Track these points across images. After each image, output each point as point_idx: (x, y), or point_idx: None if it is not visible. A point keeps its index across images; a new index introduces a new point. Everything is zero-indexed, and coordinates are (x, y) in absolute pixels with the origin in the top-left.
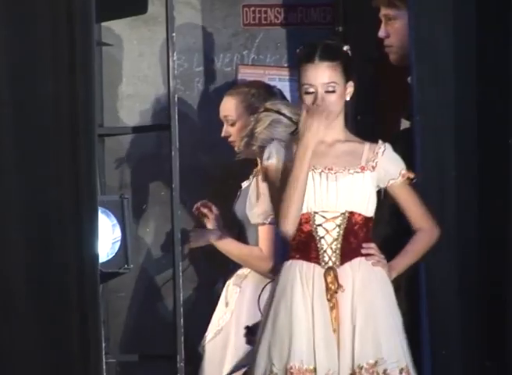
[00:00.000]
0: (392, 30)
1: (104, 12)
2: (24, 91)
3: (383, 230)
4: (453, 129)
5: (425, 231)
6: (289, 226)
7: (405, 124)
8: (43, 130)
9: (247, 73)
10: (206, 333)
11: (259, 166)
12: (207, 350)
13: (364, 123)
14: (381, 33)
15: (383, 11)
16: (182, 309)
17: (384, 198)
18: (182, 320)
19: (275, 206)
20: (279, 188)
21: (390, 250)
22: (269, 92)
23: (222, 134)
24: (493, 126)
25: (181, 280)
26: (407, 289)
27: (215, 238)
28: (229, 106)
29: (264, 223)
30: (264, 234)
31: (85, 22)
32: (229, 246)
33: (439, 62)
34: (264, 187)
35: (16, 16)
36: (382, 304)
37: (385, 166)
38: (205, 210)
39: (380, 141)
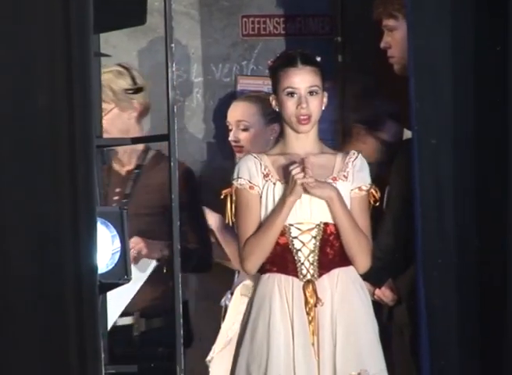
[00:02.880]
0: (394, 40)
1: (103, 23)
2: (21, 102)
3: (384, 239)
4: (451, 139)
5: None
6: (254, 268)
7: (407, 134)
8: (40, 141)
9: (246, 84)
10: (214, 345)
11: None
12: (215, 361)
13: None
14: (382, 45)
15: (384, 22)
16: (181, 321)
17: (386, 207)
18: (182, 331)
19: (241, 236)
20: (245, 219)
21: (391, 260)
22: None
23: (230, 138)
24: (492, 136)
25: (180, 291)
26: (407, 301)
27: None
28: (244, 111)
29: None
30: None
31: (82, 33)
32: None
33: (438, 72)
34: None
35: (12, 27)
36: (362, 314)
37: (354, 175)
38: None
39: (352, 151)
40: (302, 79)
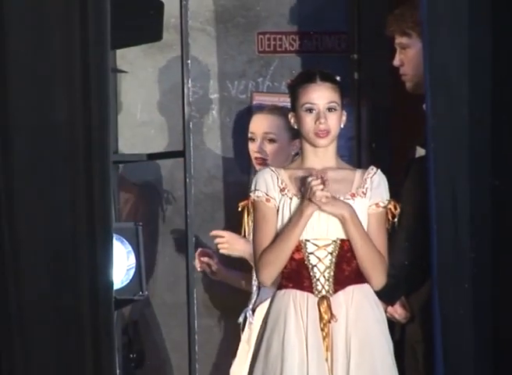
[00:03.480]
0: (406, 58)
1: (119, 38)
2: (39, 117)
3: (397, 256)
4: (467, 156)
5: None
6: (269, 280)
7: (420, 152)
8: (58, 157)
9: (262, 101)
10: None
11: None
12: None
13: (379, 150)
14: (395, 62)
15: (397, 40)
16: (196, 336)
17: (398, 224)
18: (196, 347)
19: (257, 247)
20: (261, 231)
21: (404, 277)
22: None
23: (254, 150)
24: (509, 152)
25: (195, 307)
26: (420, 318)
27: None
28: (272, 123)
29: None
30: None
31: (100, 48)
32: None
33: (454, 89)
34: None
35: (32, 42)
36: (377, 332)
37: (372, 191)
38: (205, 259)
39: (371, 167)
40: (321, 95)
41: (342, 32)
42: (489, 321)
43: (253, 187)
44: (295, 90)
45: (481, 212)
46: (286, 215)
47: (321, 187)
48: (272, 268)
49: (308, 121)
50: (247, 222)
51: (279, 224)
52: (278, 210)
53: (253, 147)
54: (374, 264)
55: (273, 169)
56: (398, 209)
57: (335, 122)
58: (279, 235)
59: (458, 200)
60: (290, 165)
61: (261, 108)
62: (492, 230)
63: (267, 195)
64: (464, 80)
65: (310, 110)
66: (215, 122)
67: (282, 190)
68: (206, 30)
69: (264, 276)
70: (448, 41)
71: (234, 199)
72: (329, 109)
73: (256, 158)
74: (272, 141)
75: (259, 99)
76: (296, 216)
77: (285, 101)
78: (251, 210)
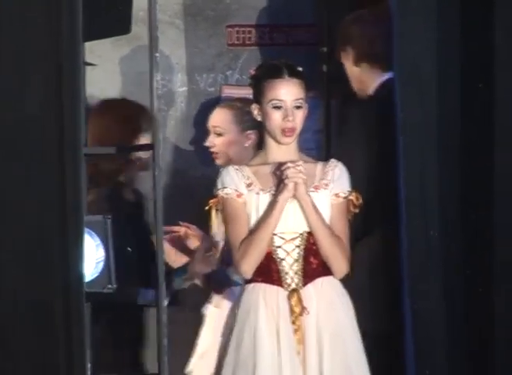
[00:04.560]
0: (348, 73)
1: (88, 32)
2: (11, 111)
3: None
4: (436, 149)
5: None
6: (250, 270)
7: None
8: (30, 151)
9: (231, 94)
10: (191, 358)
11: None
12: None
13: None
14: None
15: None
16: (166, 330)
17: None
18: (166, 340)
19: (234, 242)
20: (236, 225)
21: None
22: None
23: (206, 144)
24: (477, 146)
25: (165, 300)
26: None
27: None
28: (220, 117)
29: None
30: None
31: (73, 41)
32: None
33: (423, 82)
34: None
35: (3, 37)
36: (347, 323)
37: (334, 183)
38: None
39: (332, 159)
40: (289, 91)
41: (311, 25)
42: (460, 312)
43: (220, 185)
44: (260, 82)
45: (450, 204)
46: (253, 209)
47: (297, 171)
48: (253, 259)
49: (276, 118)
50: (215, 219)
51: (248, 219)
52: (245, 205)
53: (206, 141)
54: (335, 253)
55: (236, 167)
56: (360, 201)
57: (300, 119)
58: (256, 226)
59: (428, 193)
60: (253, 160)
61: (221, 101)
62: (461, 221)
63: (237, 191)
64: (432, 72)
65: (277, 107)
66: (183, 115)
67: (248, 185)
68: (175, 23)
69: (245, 267)
70: (417, 35)
71: (203, 192)
72: (296, 107)
73: (210, 152)
74: (219, 134)
75: (228, 92)
76: (273, 202)
77: None
78: (220, 208)
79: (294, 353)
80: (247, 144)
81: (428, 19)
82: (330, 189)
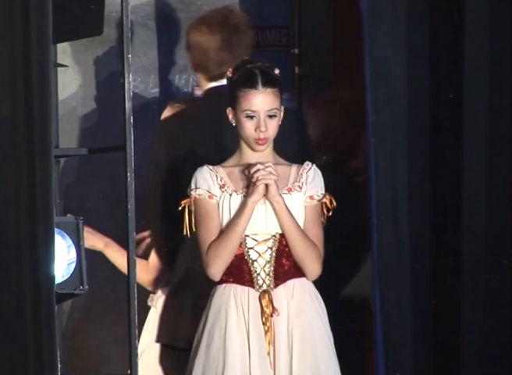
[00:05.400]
0: None
1: (60, 33)
2: None
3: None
4: (406, 151)
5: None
6: (218, 273)
7: None
8: (0, 152)
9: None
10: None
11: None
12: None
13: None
14: None
15: None
16: (137, 330)
17: None
18: (137, 341)
19: (203, 243)
20: (205, 226)
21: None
22: None
23: None
24: (447, 148)
25: (136, 301)
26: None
27: (101, 244)
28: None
29: None
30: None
31: (42, 43)
32: (115, 254)
33: (393, 83)
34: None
35: None
36: (318, 325)
37: (307, 185)
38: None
39: (306, 162)
40: (262, 102)
41: (283, 26)
42: (428, 316)
43: (193, 186)
44: (234, 89)
45: (421, 205)
46: (226, 211)
47: (266, 172)
48: (221, 261)
49: (249, 127)
50: (188, 220)
51: (220, 220)
52: (218, 206)
53: None
54: (307, 255)
55: (211, 167)
56: (334, 204)
57: (274, 127)
58: (225, 229)
59: (398, 194)
60: (227, 161)
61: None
62: (431, 222)
63: (209, 192)
64: (402, 74)
65: (250, 116)
66: (155, 116)
67: (221, 186)
68: (147, 25)
69: (214, 269)
70: (387, 35)
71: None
72: (270, 116)
73: None
74: None
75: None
76: (243, 205)
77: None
78: (192, 208)
79: (264, 354)
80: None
81: (397, 19)
82: (304, 191)
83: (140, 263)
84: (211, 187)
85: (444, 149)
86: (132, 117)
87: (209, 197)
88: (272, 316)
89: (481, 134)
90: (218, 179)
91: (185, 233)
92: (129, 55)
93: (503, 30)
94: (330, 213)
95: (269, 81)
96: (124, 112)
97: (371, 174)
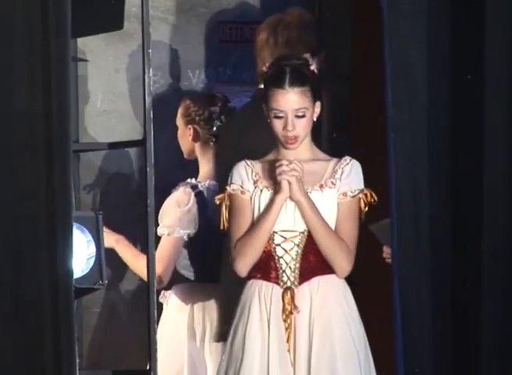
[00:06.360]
0: None
1: (80, 27)
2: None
3: None
4: (426, 147)
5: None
6: (245, 269)
7: None
8: (19, 146)
9: (223, 90)
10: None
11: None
12: None
13: (340, 140)
14: None
15: None
16: (156, 325)
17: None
18: (156, 335)
19: (232, 238)
20: (236, 222)
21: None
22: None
23: None
24: (467, 145)
25: (155, 296)
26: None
27: (113, 241)
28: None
29: (168, 234)
30: (162, 243)
31: (61, 37)
32: (124, 250)
33: (414, 78)
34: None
35: None
36: (341, 323)
37: (342, 181)
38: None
39: (345, 157)
40: (289, 102)
41: None
42: (448, 312)
43: (229, 181)
44: (265, 87)
45: (440, 201)
46: (256, 206)
47: (289, 169)
48: (248, 258)
49: (277, 126)
50: (225, 215)
51: (252, 216)
52: (251, 202)
53: None
54: (335, 252)
55: (248, 162)
56: (372, 199)
57: (304, 126)
58: (253, 225)
59: (418, 190)
60: (267, 156)
61: None
62: (451, 219)
63: (242, 188)
64: (423, 68)
65: (278, 117)
66: (175, 112)
67: (255, 182)
68: (167, 20)
69: (240, 265)
70: (408, 31)
71: None
72: (298, 116)
73: None
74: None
75: (220, 89)
76: (270, 202)
77: (245, 90)
78: (228, 203)
79: (284, 351)
80: (190, 139)
81: (418, 13)
82: (338, 187)
83: (143, 258)
84: (245, 182)
85: (464, 145)
86: (152, 112)
87: (241, 192)
88: (291, 313)
89: (502, 130)
90: (254, 174)
91: (222, 227)
92: (150, 50)
93: None
94: (366, 209)
95: (297, 80)
96: (144, 107)
97: (391, 170)
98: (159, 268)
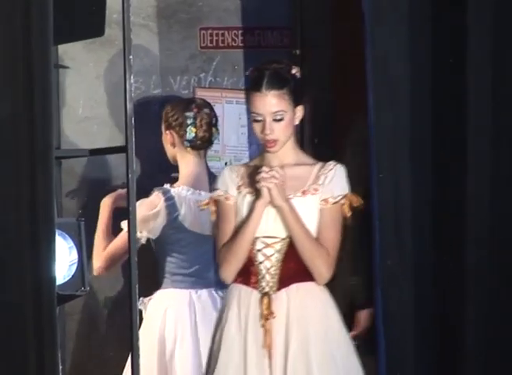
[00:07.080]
0: None
1: (61, 34)
2: None
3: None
4: (408, 152)
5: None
6: (230, 276)
7: None
8: (1, 153)
9: (204, 96)
10: None
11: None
12: None
13: (321, 146)
14: None
15: None
16: (138, 331)
17: None
18: (139, 342)
19: (217, 244)
20: (221, 227)
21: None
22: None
23: None
24: (449, 149)
25: (137, 301)
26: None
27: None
28: None
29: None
30: (117, 238)
31: (43, 44)
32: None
33: (395, 85)
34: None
35: None
36: (318, 331)
37: (324, 188)
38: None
39: (330, 162)
40: (266, 105)
41: (284, 27)
42: (430, 317)
43: (214, 186)
44: (246, 89)
45: (422, 207)
46: (240, 211)
47: (267, 176)
48: (230, 264)
49: (256, 129)
50: (212, 220)
51: (237, 222)
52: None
53: None
54: (314, 259)
55: (235, 167)
56: (357, 204)
57: (282, 130)
58: (235, 232)
59: (400, 196)
60: (252, 161)
61: None
62: (433, 225)
63: (226, 193)
64: (404, 74)
65: (256, 120)
66: (156, 117)
67: (238, 187)
68: (148, 26)
69: (225, 273)
70: (390, 37)
71: None
72: (275, 119)
73: None
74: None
75: (202, 94)
76: (251, 209)
77: (227, 96)
78: (213, 209)
79: (261, 356)
80: (168, 144)
81: (400, 23)
82: (320, 194)
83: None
84: (230, 187)
85: (447, 150)
86: (133, 118)
87: (226, 198)
88: (267, 318)
89: (484, 135)
90: (238, 179)
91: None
92: (131, 57)
93: (505, 29)
94: (349, 214)
95: (275, 83)
96: (125, 113)
97: (373, 176)
98: (100, 260)
